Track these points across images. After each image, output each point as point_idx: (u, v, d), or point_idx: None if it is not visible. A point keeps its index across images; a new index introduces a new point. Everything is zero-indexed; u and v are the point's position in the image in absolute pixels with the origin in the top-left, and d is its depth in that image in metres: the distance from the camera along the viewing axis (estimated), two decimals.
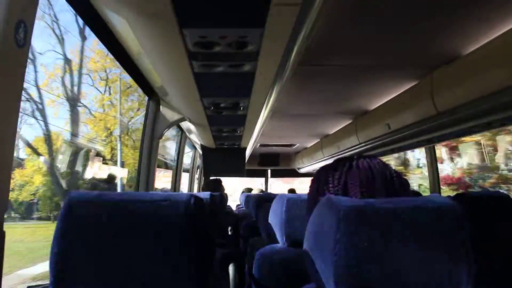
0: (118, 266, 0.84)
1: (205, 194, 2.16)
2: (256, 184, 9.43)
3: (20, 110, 1.15)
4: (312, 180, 1.14)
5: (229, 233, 4.62)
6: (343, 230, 0.76)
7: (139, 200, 0.87)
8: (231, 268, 2.18)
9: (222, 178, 5.00)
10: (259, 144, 6.79)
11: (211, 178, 4.82)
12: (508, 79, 2.10)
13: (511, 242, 1.99)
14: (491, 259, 1.88)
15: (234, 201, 8.28)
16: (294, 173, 9.20)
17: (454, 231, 0.78)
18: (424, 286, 0.76)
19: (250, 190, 7.61)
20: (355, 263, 0.75)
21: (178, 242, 0.85)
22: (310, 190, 1.15)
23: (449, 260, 0.77)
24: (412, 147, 4.47)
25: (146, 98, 2.90)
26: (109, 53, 2.14)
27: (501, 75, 2.15)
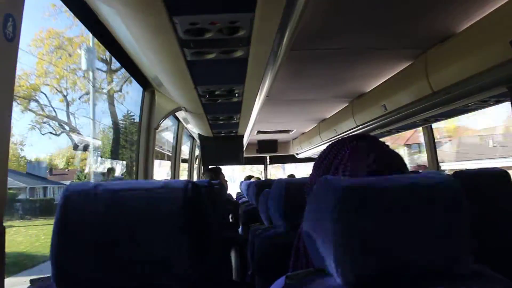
0: (118, 255, 0.84)
1: (203, 181, 2.16)
2: (255, 174, 9.45)
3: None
4: (316, 163, 1.14)
5: (230, 220, 4.64)
6: (341, 210, 0.76)
7: (136, 188, 0.87)
8: (233, 254, 2.19)
9: (223, 168, 5.01)
10: (256, 131, 6.80)
11: (210, 167, 4.83)
12: (501, 55, 2.10)
13: (509, 215, 2.00)
14: (489, 234, 1.90)
15: (235, 190, 8.29)
16: (293, 159, 9.22)
17: (453, 207, 0.78)
18: (424, 262, 0.76)
19: (250, 178, 7.64)
20: (354, 242, 0.75)
21: (177, 228, 0.85)
22: (313, 172, 1.15)
23: (449, 236, 0.77)
24: (409, 127, 4.49)
25: (141, 89, 2.89)
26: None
27: (494, 51, 2.15)
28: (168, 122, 4.45)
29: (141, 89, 2.89)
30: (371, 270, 0.75)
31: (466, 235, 0.78)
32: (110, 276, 0.85)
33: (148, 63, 2.11)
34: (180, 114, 3.80)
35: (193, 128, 4.24)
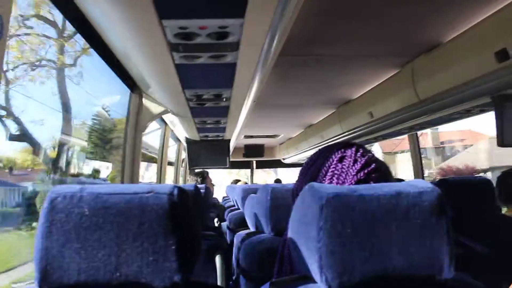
0: (103, 259, 0.84)
1: (189, 186, 2.16)
2: (242, 178, 9.43)
3: None
4: (303, 170, 1.15)
5: (216, 224, 4.62)
6: (326, 217, 0.76)
7: (122, 192, 0.87)
8: (217, 259, 2.19)
9: (210, 172, 5.00)
10: (243, 136, 6.79)
11: (196, 170, 4.82)
12: (486, 66, 2.13)
13: (491, 224, 2.03)
14: (471, 240, 1.92)
15: (222, 194, 8.27)
16: (279, 164, 9.23)
17: (435, 215, 0.79)
18: (407, 269, 0.77)
19: (237, 182, 7.63)
20: (338, 249, 0.76)
21: (162, 233, 0.85)
22: (299, 178, 1.16)
23: (432, 244, 0.78)
24: (395, 135, 4.52)
25: (129, 91, 2.88)
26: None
27: (479, 62, 2.18)
28: (154, 125, 4.42)
29: (128, 91, 2.87)
30: (355, 277, 0.76)
31: (449, 243, 0.78)
32: (95, 280, 0.85)
33: (136, 65, 2.11)
34: (167, 117, 3.79)
35: (180, 131, 4.22)
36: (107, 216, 0.85)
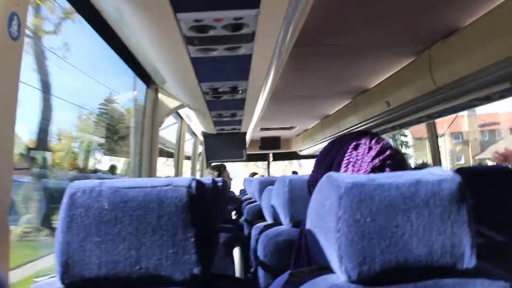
0: (123, 252, 0.85)
1: (207, 179, 2.17)
2: (259, 170, 9.47)
3: None
4: (319, 159, 1.15)
5: (233, 217, 4.64)
6: (345, 207, 0.76)
7: (141, 185, 0.88)
8: (236, 251, 2.20)
9: (228, 165, 5.02)
10: (259, 128, 6.79)
11: (213, 163, 4.84)
12: (504, 51, 2.09)
13: (510, 213, 2.00)
14: (492, 230, 1.90)
15: (238, 187, 8.29)
16: (296, 156, 9.22)
17: (456, 203, 0.78)
18: (427, 259, 0.77)
19: (254, 175, 7.65)
20: (358, 239, 0.75)
21: (181, 226, 0.85)
22: (315, 168, 1.16)
23: (452, 232, 0.77)
24: (412, 123, 4.47)
25: (145, 86, 2.90)
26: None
27: (497, 47, 2.14)
28: (170, 120, 4.44)
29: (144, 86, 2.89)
30: (375, 267, 0.75)
31: (470, 232, 0.78)
32: (116, 273, 0.86)
33: (152, 60, 2.12)
34: (184, 111, 3.81)
35: (196, 125, 4.24)
36: (127, 209, 0.86)
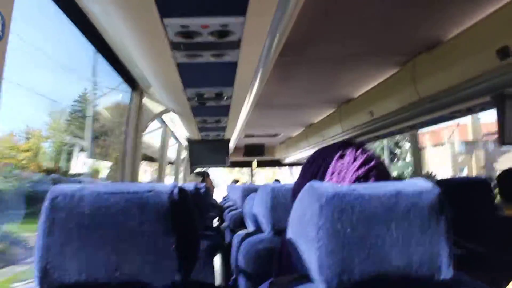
0: (104, 258, 0.84)
1: (190, 185, 2.16)
2: (244, 177, 9.49)
3: None
4: (304, 168, 1.16)
5: (215, 224, 4.64)
6: (325, 216, 0.77)
7: (122, 191, 0.87)
8: (217, 259, 2.19)
9: (211, 171, 5.01)
10: (244, 135, 6.80)
11: (197, 170, 4.83)
12: (487, 64, 2.13)
13: (489, 224, 2.04)
14: (471, 241, 1.93)
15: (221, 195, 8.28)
16: (279, 163, 9.24)
17: (435, 214, 0.79)
18: (406, 269, 0.77)
19: (236, 182, 7.65)
20: (338, 248, 0.76)
21: (162, 232, 0.85)
22: (300, 177, 1.16)
23: (430, 244, 0.78)
24: (395, 134, 4.52)
25: (130, 90, 2.88)
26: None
27: (480, 60, 2.18)
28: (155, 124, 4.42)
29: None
30: (354, 276, 0.76)
31: (448, 243, 0.79)
32: (95, 279, 0.85)
33: (138, 64, 2.11)
34: (168, 116, 3.80)
35: (180, 130, 4.23)
36: (108, 215, 0.85)
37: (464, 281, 0.86)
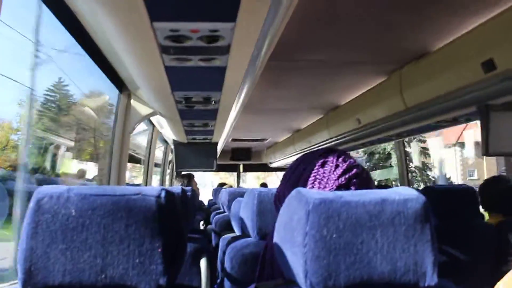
0: (89, 261, 0.84)
1: (176, 189, 2.16)
2: (232, 180, 9.48)
3: None
4: (286, 174, 1.16)
5: (201, 227, 4.63)
6: (312, 222, 0.77)
7: (109, 193, 0.87)
8: (202, 262, 2.19)
9: (198, 174, 4.99)
10: (231, 139, 6.80)
11: (183, 172, 4.82)
12: (472, 76, 2.16)
13: (474, 232, 2.06)
14: (456, 248, 1.95)
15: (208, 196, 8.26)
16: (266, 168, 9.25)
17: (420, 222, 0.80)
18: (391, 276, 0.78)
19: (222, 185, 7.64)
20: (324, 254, 0.76)
21: (148, 235, 0.85)
22: (282, 183, 1.17)
23: (415, 251, 0.79)
24: (381, 141, 4.55)
25: (117, 91, 2.87)
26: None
27: (466, 72, 2.21)
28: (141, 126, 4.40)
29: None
30: (340, 282, 0.77)
31: (433, 250, 0.80)
32: (80, 281, 0.84)
33: (126, 66, 2.10)
34: (155, 119, 3.79)
35: (168, 133, 4.22)
36: (94, 217, 0.85)
37: None
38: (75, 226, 0.84)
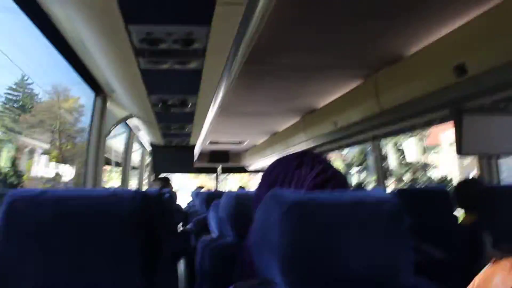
0: (64, 264, 0.83)
1: (152, 191, 2.15)
2: (212, 183, 9.45)
3: None
4: (263, 177, 1.17)
5: (180, 229, 4.60)
6: (288, 224, 0.78)
7: (84, 196, 0.86)
8: (180, 264, 2.18)
9: (175, 179, 4.95)
10: (209, 141, 6.78)
11: (160, 175, 4.78)
12: (445, 80, 2.21)
13: (448, 231, 2.10)
14: (431, 247, 1.98)
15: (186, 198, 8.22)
16: (244, 170, 9.24)
17: (392, 222, 0.81)
18: (367, 276, 0.79)
19: (201, 188, 7.62)
20: (300, 254, 0.77)
21: (124, 237, 0.84)
22: (259, 185, 1.17)
23: (389, 250, 0.80)
24: (358, 143, 4.59)
25: (93, 94, 2.84)
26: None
27: (439, 76, 2.26)
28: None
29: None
30: (315, 282, 0.77)
31: (406, 250, 0.81)
32: (55, 284, 0.83)
33: (101, 68, 2.08)
34: (132, 122, 3.76)
35: (144, 136, 4.19)
36: (69, 220, 0.84)
37: (423, 286, 0.88)
38: (49, 229, 0.83)
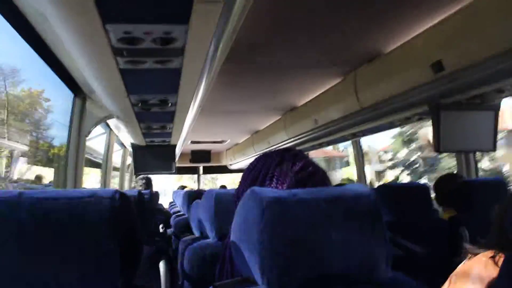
0: (41, 267, 0.82)
1: (132, 191, 2.14)
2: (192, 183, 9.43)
3: None
4: (245, 174, 1.17)
5: (161, 230, 4.58)
6: (266, 221, 0.78)
7: (62, 196, 0.85)
8: (162, 264, 2.17)
9: (156, 180, 4.93)
10: (190, 141, 6.76)
11: (141, 176, 4.75)
12: (423, 77, 2.24)
13: (428, 226, 2.13)
14: (411, 242, 2.01)
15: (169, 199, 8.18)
16: (226, 170, 9.25)
17: (371, 218, 0.82)
18: (345, 270, 0.80)
19: (183, 188, 7.60)
20: (279, 251, 0.78)
21: (103, 238, 0.83)
22: (241, 183, 1.18)
23: (368, 246, 0.81)
24: (338, 141, 4.64)
25: (72, 94, 2.81)
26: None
27: (417, 72, 2.29)
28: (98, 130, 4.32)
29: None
30: (296, 278, 0.78)
31: (385, 245, 0.82)
32: (32, 287, 0.82)
33: (80, 69, 2.06)
34: (112, 122, 3.73)
35: (125, 136, 4.16)
36: (47, 221, 0.82)
37: (401, 281, 0.90)
38: (27, 231, 0.81)
